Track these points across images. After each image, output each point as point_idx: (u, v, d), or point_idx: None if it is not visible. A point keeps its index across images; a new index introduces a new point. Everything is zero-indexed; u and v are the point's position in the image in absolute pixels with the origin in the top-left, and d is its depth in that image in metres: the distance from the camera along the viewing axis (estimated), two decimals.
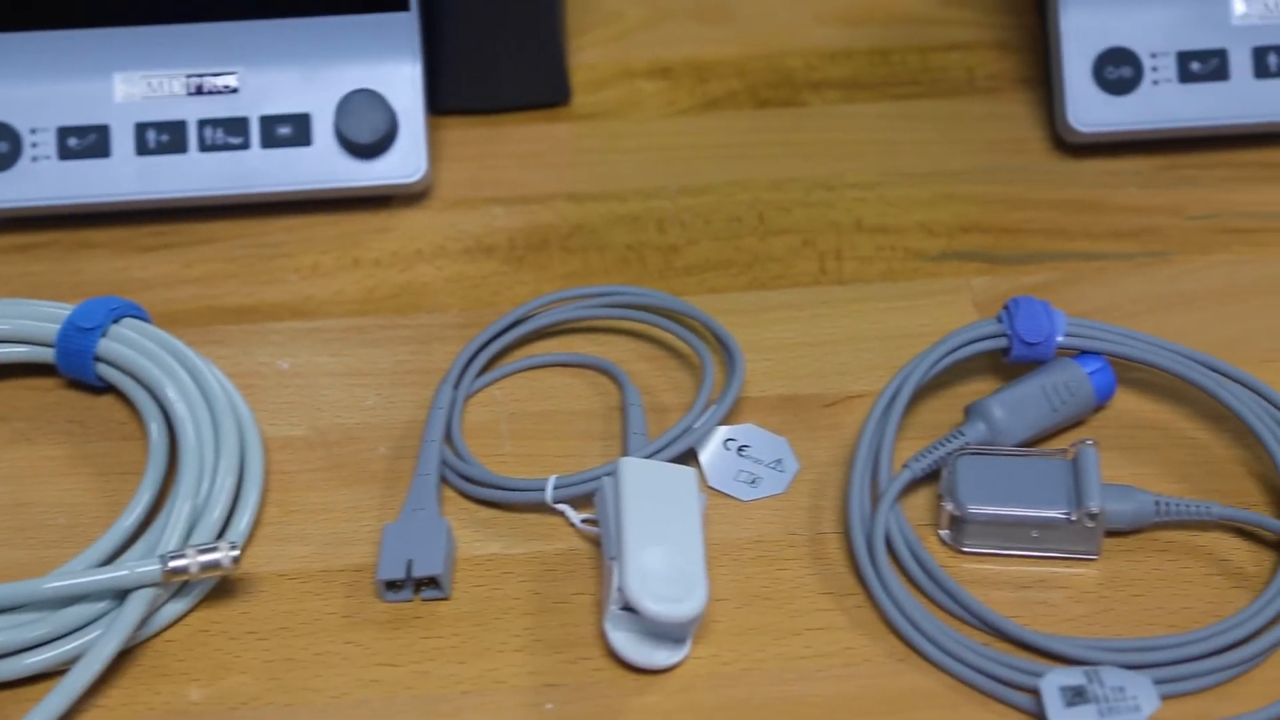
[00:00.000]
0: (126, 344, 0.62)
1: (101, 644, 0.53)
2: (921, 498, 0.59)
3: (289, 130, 0.69)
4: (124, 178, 0.69)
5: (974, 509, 0.56)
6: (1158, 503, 0.57)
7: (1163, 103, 0.70)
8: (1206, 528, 0.58)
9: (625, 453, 0.60)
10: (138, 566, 0.54)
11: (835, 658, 0.54)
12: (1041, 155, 0.73)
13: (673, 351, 0.65)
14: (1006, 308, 0.61)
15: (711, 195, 0.71)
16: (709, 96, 0.76)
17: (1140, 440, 0.61)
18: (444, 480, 0.60)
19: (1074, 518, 0.56)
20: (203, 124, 0.69)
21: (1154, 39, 0.70)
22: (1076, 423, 0.61)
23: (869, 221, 0.70)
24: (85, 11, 0.69)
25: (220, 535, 0.57)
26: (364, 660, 0.55)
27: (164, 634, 0.56)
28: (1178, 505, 0.57)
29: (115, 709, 0.54)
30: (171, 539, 0.55)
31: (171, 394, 0.60)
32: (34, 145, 0.69)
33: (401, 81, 0.70)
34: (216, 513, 0.57)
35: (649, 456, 0.59)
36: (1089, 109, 0.70)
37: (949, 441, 0.59)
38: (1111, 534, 0.57)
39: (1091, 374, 0.60)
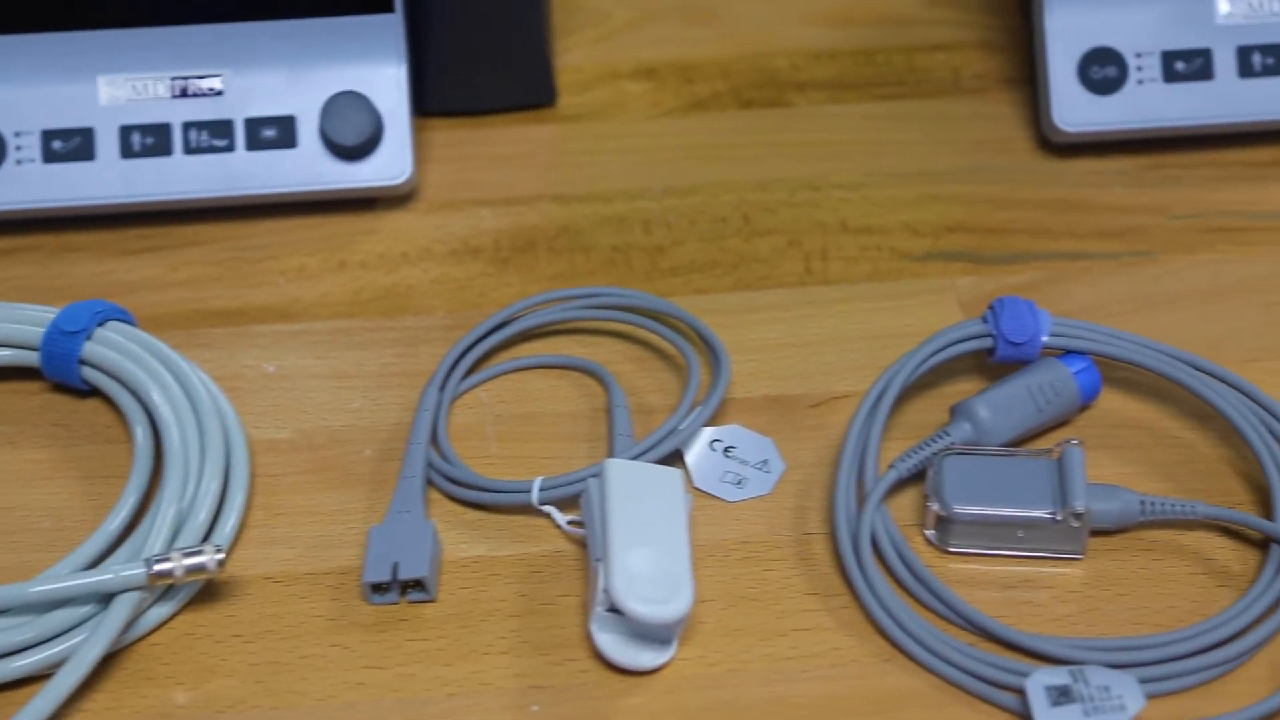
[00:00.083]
0: (111, 347, 0.61)
1: (86, 648, 0.53)
2: (907, 498, 0.59)
3: (274, 132, 0.69)
4: (109, 181, 0.69)
5: (959, 509, 0.56)
6: (1143, 502, 0.57)
7: (1147, 102, 0.70)
8: (1192, 527, 0.58)
9: (611, 454, 0.60)
10: (122, 570, 0.54)
11: (821, 658, 0.54)
12: (1027, 155, 0.73)
13: (658, 353, 0.65)
14: (991, 308, 0.61)
15: (697, 196, 0.71)
16: (694, 97, 0.76)
17: (1125, 440, 0.61)
18: (430, 482, 0.60)
19: (1059, 517, 0.56)
20: (187, 126, 0.69)
21: (1139, 39, 0.70)
22: (1062, 422, 0.61)
23: (854, 222, 0.70)
24: (69, 14, 0.69)
25: (205, 538, 0.57)
26: (350, 663, 0.55)
27: (149, 637, 0.56)
28: (1163, 504, 0.57)
29: (100, 713, 0.54)
30: (156, 542, 0.55)
31: (156, 397, 0.59)
32: (18, 148, 0.69)
33: (386, 83, 0.70)
34: (202, 516, 0.57)
35: (635, 458, 0.59)
36: (1074, 109, 0.70)
37: (934, 442, 0.59)
38: (1097, 533, 0.57)
39: (1077, 373, 0.60)
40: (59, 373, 0.62)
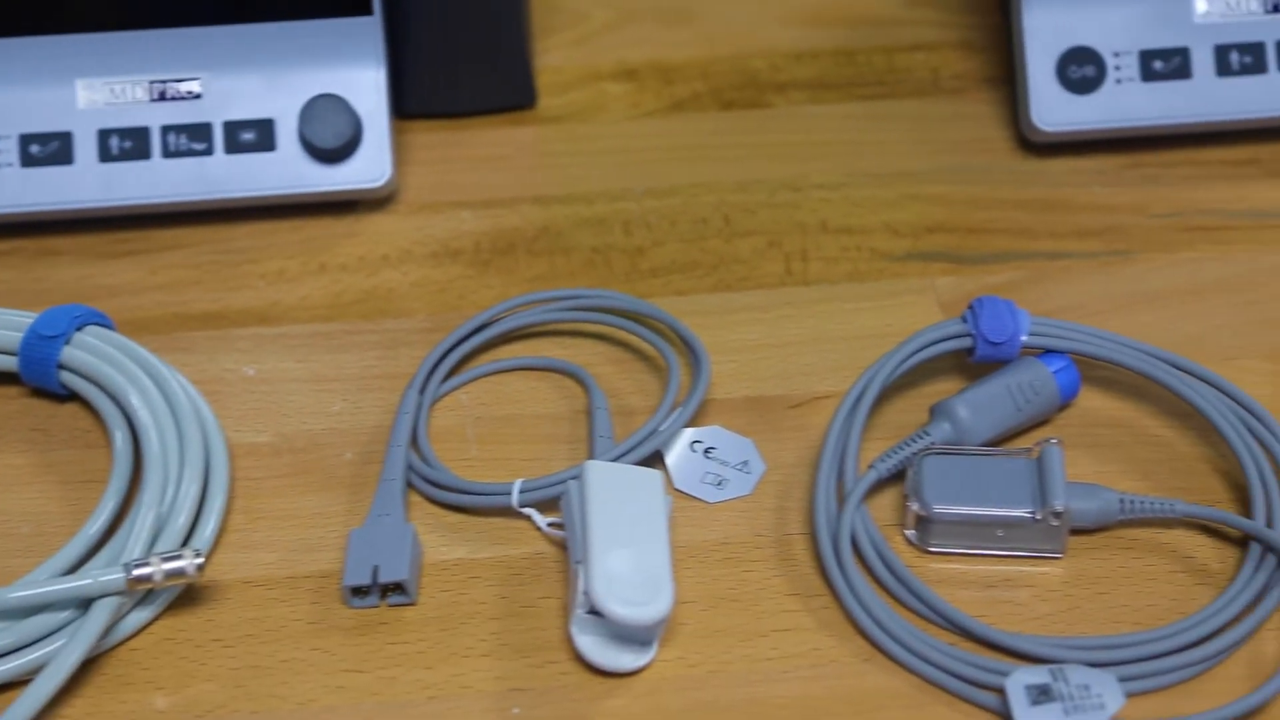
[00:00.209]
0: (90, 352, 0.61)
1: (65, 653, 0.53)
2: (887, 498, 0.59)
3: (253, 136, 0.69)
4: (87, 184, 0.69)
5: (939, 509, 0.57)
6: (1122, 501, 0.57)
7: (1126, 101, 0.70)
8: (1171, 525, 0.58)
9: (591, 456, 0.60)
10: (101, 575, 0.54)
11: (802, 659, 0.54)
12: (1006, 155, 0.73)
13: (639, 354, 0.65)
14: (971, 307, 0.61)
15: (677, 197, 0.71)
16: (674, 98, 0.76)
17: (1105, 438, 0.61)
18: (410, 485, 0.60)
19: (1039, 516, 0.56)
20: (166, 130, 0.69)
21: (1116, 38, 0.71)
22: (1041, 421, 0.61)
23: (834, 222, 0.70)
24: (47, 18, 0.69)
25: (185, 543, 0.57)
26: (330, 666, 0.55)
27: (129, 642, 0.55)
28: (1142, 503, 0.57)
29: (80, 718, 0.53)
30: (136, 547, 0.55)
31: (135, 401, 0.59)
32: None
33: (365, 86, 0.70)
34: (181, 520, 0.57)
35: (615, 459, 0.59)
36: (1052, 108, 0.71)
37: (914, 442, 0.59)
38: (1077, 532, 0.57)
39: (1056, 373, 0.61)
40: (37, 377, 0.62)
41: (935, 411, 0.60)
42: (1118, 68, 0.70)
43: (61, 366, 0.62)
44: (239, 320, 0.67)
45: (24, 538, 0.59)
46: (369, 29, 0.70)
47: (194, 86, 0.69)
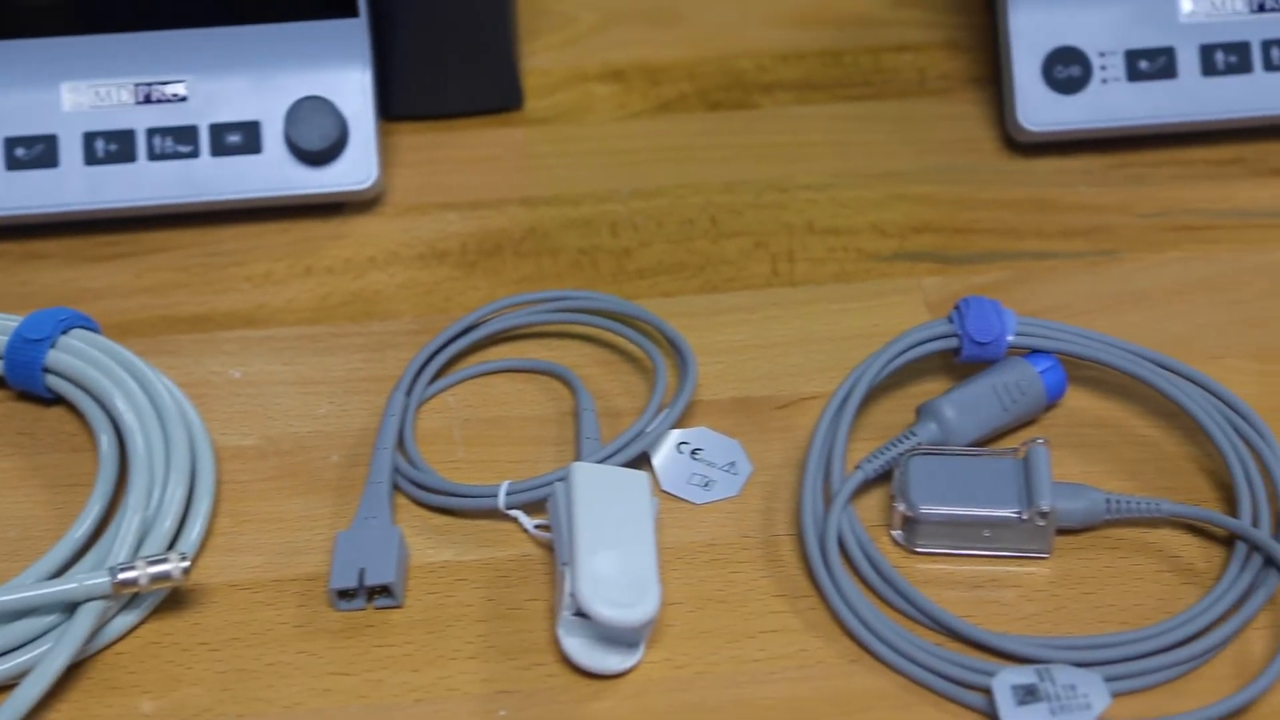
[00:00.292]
0: (75, 355, 0.61)
1: (51, 657, 0.53)
2: (874, 498, 0.59)
3: (239, 138, 0.69)
4: (73, 188, 0.68)
5: (926, 509, 0.57)
6: (1108, 500, 0.57)
7: (1112, 101, 0.71)
8: (1157, 525, 0.58)
9: (578, 457, 0.60)
10: (87, 579, 0.54)
11: (789, 660, 0.54)
12: (992, 155, 0.73)
13: (626, 355, 0.65)
14: (957, 308, 0.61)
15: (664, 198, 0.71)
16: (661, 99, 0.76)
17: (1091, 438, 0.61)
18: (396, 488, 0.60)
19: (1025, 516, 0.56)
20: (152, 133, 0.69)
21: (1102, 38, 0.71)
22: (1028, 422, 0.61)
23: (821, 223, 0.70)
24: (32, 21, 0.69)
25: (171, 546, 0.57)
26: (317, 670, 0.55)
27: (115, 646, 0.55)
28: (1128, 503, 0.57)
29: None
30: (121, 551, 0.55)
31: (121, 405, 0.59)
32: None
33: (351, 88, 0.70)
34: (167, 523, 0.57)
35: (602, 461, 0.59)
36: (1039, 108, 0.71)
37: (901, 442, 0.59)
38: (1063, 532, 0.57)
39: (1042, 373, 0.61)
40: (23, 381, 0.62)
41: (922, 412, 0.60)
42: (1103, 68, 0.71)
43: (47, 370, 0.61)
44: (225, 323, 0.67)
45: (9, 542, 0.59)
46: (355, 31, 0.70)
47: (179, 89, 0.69)
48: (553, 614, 0.55)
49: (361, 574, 0.56)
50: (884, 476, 0.59)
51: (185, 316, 0.67)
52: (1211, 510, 0.57)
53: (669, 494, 0.60)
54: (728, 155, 0.73)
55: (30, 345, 0.61)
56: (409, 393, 0.62)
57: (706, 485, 0.60)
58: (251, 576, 0.57)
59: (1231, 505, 0.58)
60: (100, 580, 0.54)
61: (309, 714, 0.53)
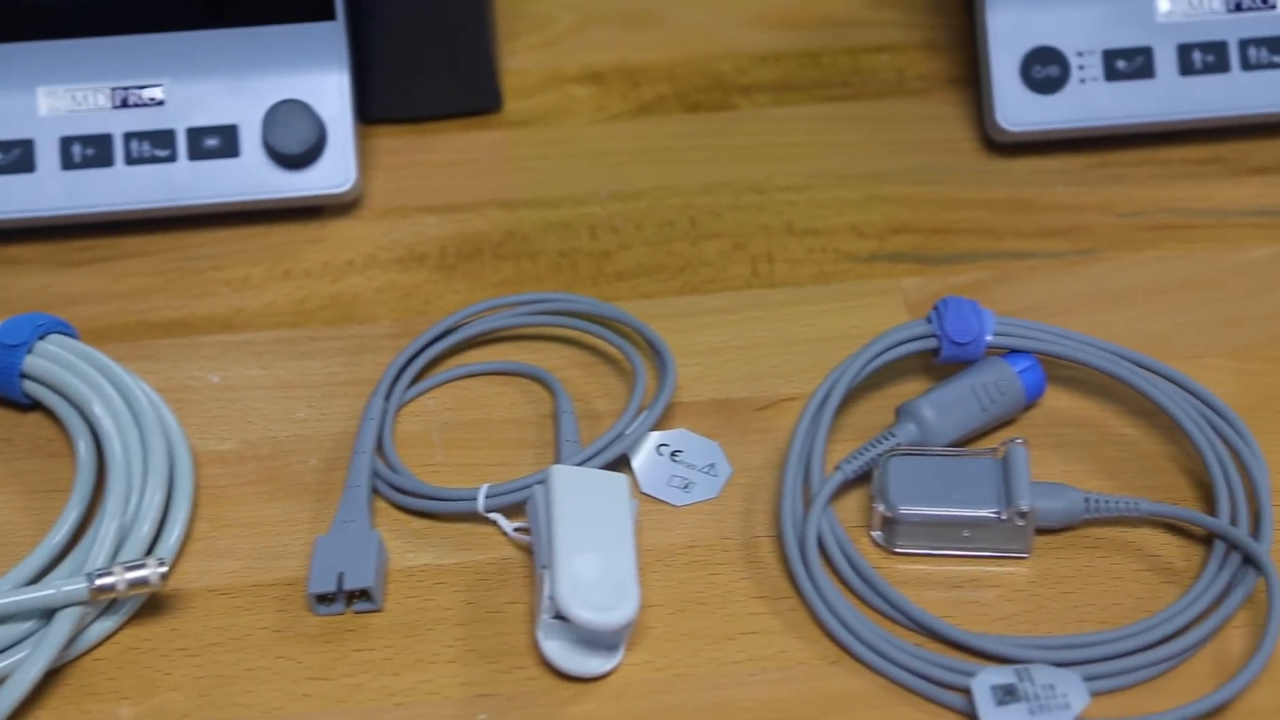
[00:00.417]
0: (53, 360, 0.61)
1: (28, 664, 0.53)
2: (854, 499, 0.59)
3: (216, 142, 0.69)
4: (49, 192, 0.68)
5: (905, 510, 0.57)
6: (1087, 500, 0.57)
7: (1090, 101, 0.71)
8: (1136, 524, 0.58)
9: (558, 460, 0.60)
10: (64, 585, 0.53)
11: (769, 661, 0.54)
12: (971, 155, 0.73)
13: (605, 358, 0.65)
14: (936, 308, 0.61)
15: (643, 200, 0.71)
16: (640, 101, 0.76)
17: (1070, 438, 0.61)
18: (376, 491, 0.60)
19: (1004, 516, 0.56)
20: (129, 137, 0.69)
21: (1080, 38, 0.71)
22: (1007, 421, 0.61)
23: (800, 224, 0.70)
24: (7, 25, 0.69)
25: (149, 551, 0.57)
26: (296, 674, 0.54)
27: (93, 652, 0.55)
28: (1107, 502, 0.57)
29: None
30: (99, 557, 0.55)
31: (98, 410, 0.59)
32: None
33: (329, 91, 0.69)
34: (145, 529, 0.56)
35: (581, 463, 0.59)
36: (1017, 108, 0.71)
37: (880, 443, 0.59)
38: (1042, 532, 0.57)
39: (1021, 373, 0.61)
40: (0, 387, 0.62)
41: (901, 412, 0.60)
42: (1081, 68, 0.71)
43: (24, 376, 0.61)
44: (203, 327, 0.66)
45: None
46: (332, 34, 0.70)
47: (157, 93, 0.69)
48: (532, 617, 0.55)
49: (340, 578, 0.56)
50: (863, 477, 0.59)
51: (163, 321, 0.67)
52: (1190, 509, 0.57)
53: (648, 496, 0.59)
54: (707, 157, 0.73)
55: (7, 351, 0.61)
56: (388, 396, 0.62)
57: (686, 487, 0.60)
58: (230, 581, 0.57)
59: (1210, 504, 0.58)
60: (78, 586, 0.53)
61: (288, 719, 0.53)
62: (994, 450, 0.58)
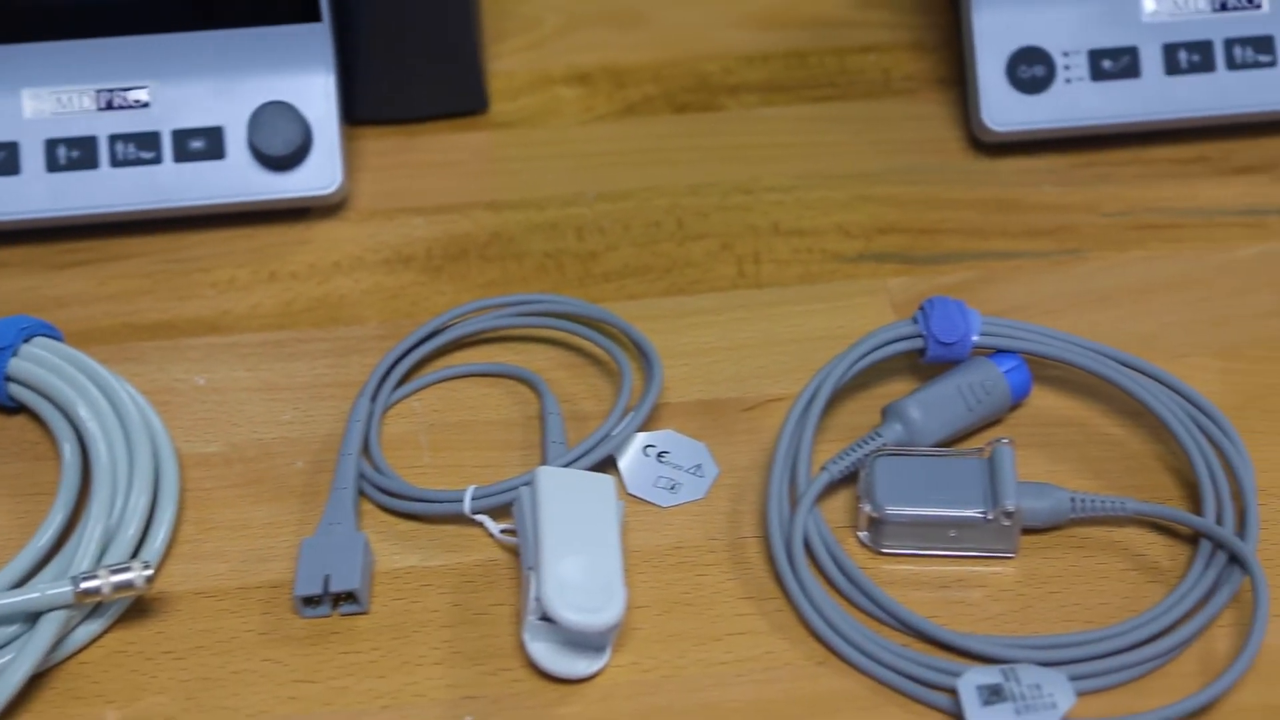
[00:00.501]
0: (38, 363, 0.61)
1: (13, 668, 0.52)
2: (841, 500, 0.59)
3: (201, 144, 0.69)
4: (34, 195, 0.68)
5: (891, 510, 0.57)
6: (1073, 499, 0.57)
7: (1076, 101, 0.71)
8: (1122, 523, 0.58)
9: (544, 461, 0.60)
10: (49, 589, 0.53)
11: (755, 662, 0.54)
12: (958, 155, 0.73)
13: (592, 359, 0.65)
14: (922, 308, 0.61)
15: (630, 201, 0.71)
16: (627, 102, 0.76)
17: (1056, 437, 0.61)
18: (362, 493, 0.60)
19: (990, 516, 0.56)
20: (114, 139, 0.68)
21: (1066, 38, 0.71)
22: (993, 421, 0.61)
23: (787, 224, 0.70)
24: None
25: (135, 554, 0.57)
26: (282, 677, 0.54)
27: (78, 656, 0.55)
28: (1093, 501, 0.57)
29: None
30: (84, 560, 0.55)
31: (84, 413, 0.59)
32: None
33: (315, 93, 0.69)
34: (130, 532, 0.56)
35: (567, 465, 0.59)
36: (1003, 108, 0.71)
37: (866, 443, 0.59)
38: (1029, 531, 0.57)
39: (1007, 372, 0.61)
40: None
41: (887, 413, 0.60)
42: (1067, 67, 0.71)
43: (9, 379, 0.61)
44: (189, 330, 0.66)
45: None
46: (318, 35, 0.70)
47: (142, 95, 0.69)
48: (519, 619, 0.55)
49: (326, 580, 0.55)
50: (850, 478, 0.59)
51: (149, 323, 0.67)
52: (1176, 509, 0.58)
53: (635, 497, 0.59)
54: (693, 157, 0.73)
55: None
56: (374, 398, 0.62)
57: (673, 488, 0.60)
58: (216, 584, 0.57)
59: (1196, 503, 0.58)
60: (63, 590, 0.53)
61: None
62: (980, 450, 0.58)
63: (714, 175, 0.72)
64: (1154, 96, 0.71)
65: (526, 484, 0.57)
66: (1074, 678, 0.52)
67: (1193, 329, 0.65)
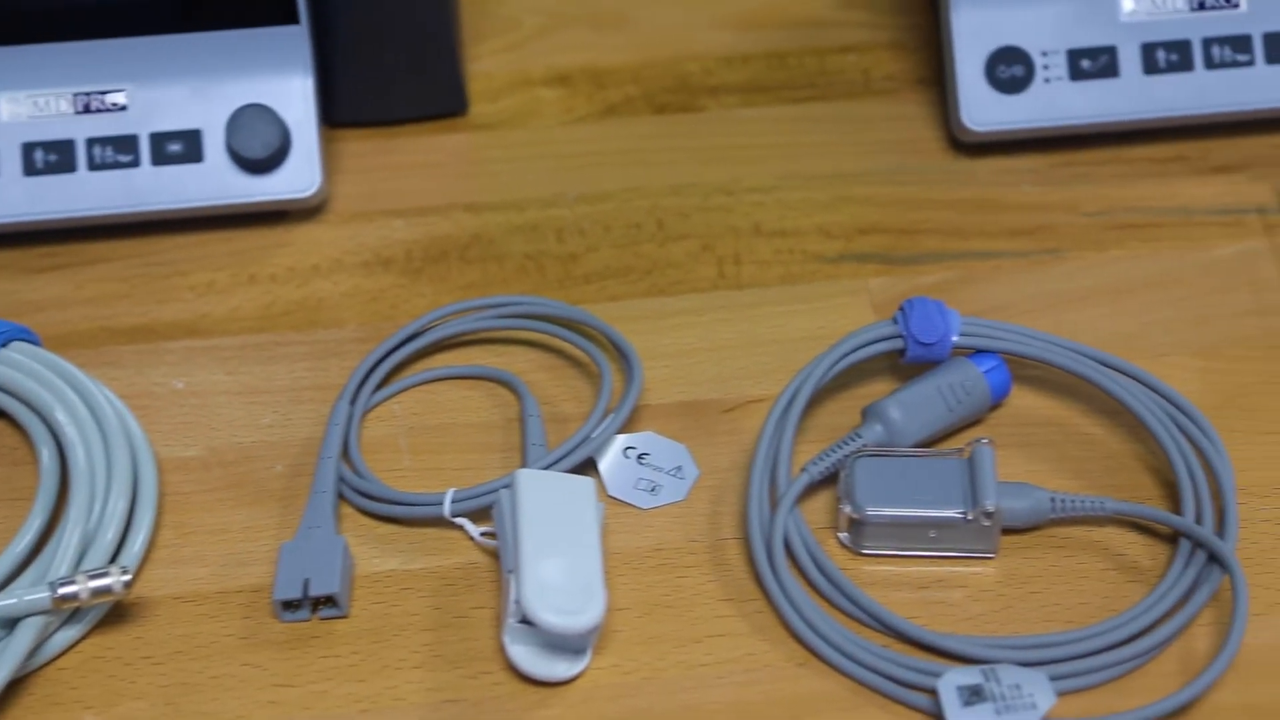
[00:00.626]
0: (15, 368, 0.61)
1: None
2: (821, 501, 0.59)
3: (179, 147, 0.68)
4: (12, 199, 0.68)
5: (872, 511, 0.57)
6: (1053, 499, 0.57)
7: (1055, 100, 0.71)
8: (1102, 523, 0.58)
9: (524, 464, 0.60)
10: (26, 594, 0.53)
11: (736, 664, 0.54)
12: (937, 155, 0.73)
13: (572, 360, 0.65)
14: (901, 309, 0.61)
15: (610, 202, 0.71)
16: (607, 103, 0.76)
17: (1036, 437, 0.61)
18: (342, 497, 0.60)
19: (970, 516, 0.56)
20: (91, 142, 0.68)
21: (1044, 37, 0.71)
22: (973, 421, 0.61)
23: (767, 225, 0.70)
24: None
25: (113, 560, 0.56)
26: (262, 682, 0.54)
27: (56, 662, 0.55)
28: (1073, 501, 0.57)
29: None
30: (62, 565, 0.55)
31: (61, 417, 0.59)
32: None
33: (293, 95, 0.69)
34: (109, 536, 0.56)
35: (547, 467, 0.59)
36: (982, 108, 0.71)
37: (846, 444, 0.59)
38: (1009, 531, 0.57)
39: (986, 372, 0.61)
40: None
41: (867, 413, 0.60)
42: (1046, 67, 0.71)
43: None
44: (168, 333, 0.66)
45: None
46: (296, 38, 0.70)
47: (119, 98, 0.69)
48: (499, 622, 0.55)
49: (306, 584, 0.55)
50: (830, 479, 0.59)
51: (127, 327, 0.66)
52: (1155, 508, 0.58)
53: (615, 499, 0.59)
54: (674, 158, 0.73)
55: None
56: (354, 401, 0.62)
57: (653, 490, 0.60)
58: (195, 589, 0.57)
59: (1175, 503, 0.58)
60: (40, 595, 0.53)
61: None
62: (960, 450, 0.58)
63: (694, 176, 0.72)
64: (1133, 96, 0.71)
65: (506, 486, 0.57)
66: (1054, 678, 0.52)
67: (1172, 328, 0.65)
